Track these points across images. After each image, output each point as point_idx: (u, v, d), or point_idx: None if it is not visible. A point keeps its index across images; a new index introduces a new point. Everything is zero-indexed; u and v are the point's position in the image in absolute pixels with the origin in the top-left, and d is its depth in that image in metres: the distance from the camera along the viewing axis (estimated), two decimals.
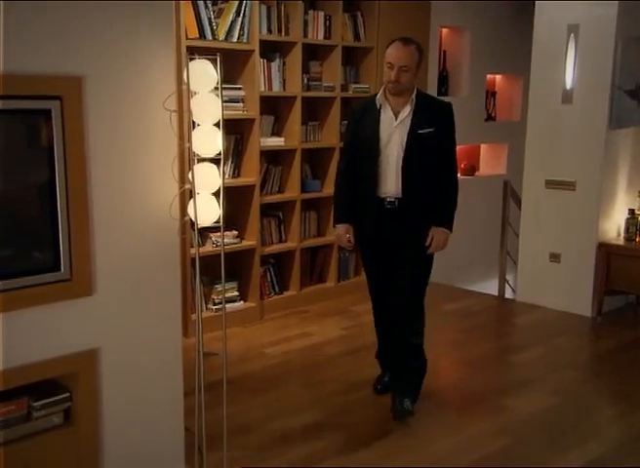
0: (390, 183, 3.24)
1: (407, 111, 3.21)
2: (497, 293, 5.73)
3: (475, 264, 6.49)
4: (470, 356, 4.28)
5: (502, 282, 5.71)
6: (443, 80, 6.42)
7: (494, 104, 7.05)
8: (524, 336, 4.76)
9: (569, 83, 4.93)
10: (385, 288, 3.45)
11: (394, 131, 3.22)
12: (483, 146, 7.20)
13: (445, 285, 5.57)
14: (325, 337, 4.52)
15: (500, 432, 3.28)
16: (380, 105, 3.26)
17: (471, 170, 6.82)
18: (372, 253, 3.46)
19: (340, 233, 3.43)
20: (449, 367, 4.24)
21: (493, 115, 7.04)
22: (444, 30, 6.46)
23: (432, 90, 6.12)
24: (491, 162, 7.19)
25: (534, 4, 5.11)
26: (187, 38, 4.14)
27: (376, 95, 3.31)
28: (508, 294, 5.76)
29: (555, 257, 5.14)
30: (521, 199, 5.41)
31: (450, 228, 3.29)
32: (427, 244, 3.24)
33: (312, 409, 3.45)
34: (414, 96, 3.23)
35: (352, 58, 5.39)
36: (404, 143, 3.19)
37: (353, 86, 5.28)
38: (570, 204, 5.03)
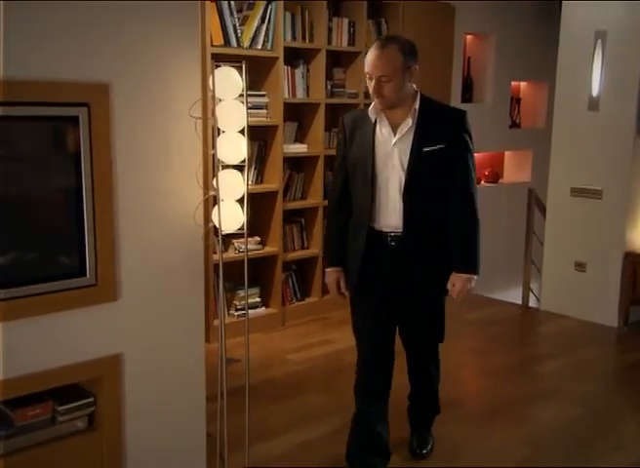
0: (391, 215, 2.63)
1: (408, 125, 2.58)
2: (520, 302, 5.68)
3: (499, 272, 6.43)
4: (493, 365, 4.24)
5: (527, 290, 5.66)
6: (467, 87, 6.40)
7: (518, 111, 7.01)
8: (548, 346, 4.71)
9: (595, 89, 4.88)
10: (387, 354, 2.77)
11: (392, 150, 2.60)
12: (507, 153, 7.14)
13: None
14: (347, 345, 4.48)
15: (522, 442, 3.24)
16: (376, 119, 2.63)
17: (495, 177, 6.77)
18: (367, 304, 2.74)
19: (330, 280, 2.80)
20: (471, 376, 4.20)
21: (517, 122, 7.00)
22: (468, 37, 6.44)
23: (456, 97, 6.10)
24: (515, 169, 7.14)
25: (560, 10, 5.07)
26: (212, 45, 4.17)
27: (368, 106, 2.65)
28: (532, 303, 5.70)
29: (581, 266, 5.08)
30: (546, 207, 5.36)
31: (475, 271, 2.65)
32: (449, 292, 2.69)
33: (334, 416, 3.44)
34: (416, 105, 2.58)
35: None
36: (405, 165, 2.58)
37: None
38: (596, 212, 4.97)
